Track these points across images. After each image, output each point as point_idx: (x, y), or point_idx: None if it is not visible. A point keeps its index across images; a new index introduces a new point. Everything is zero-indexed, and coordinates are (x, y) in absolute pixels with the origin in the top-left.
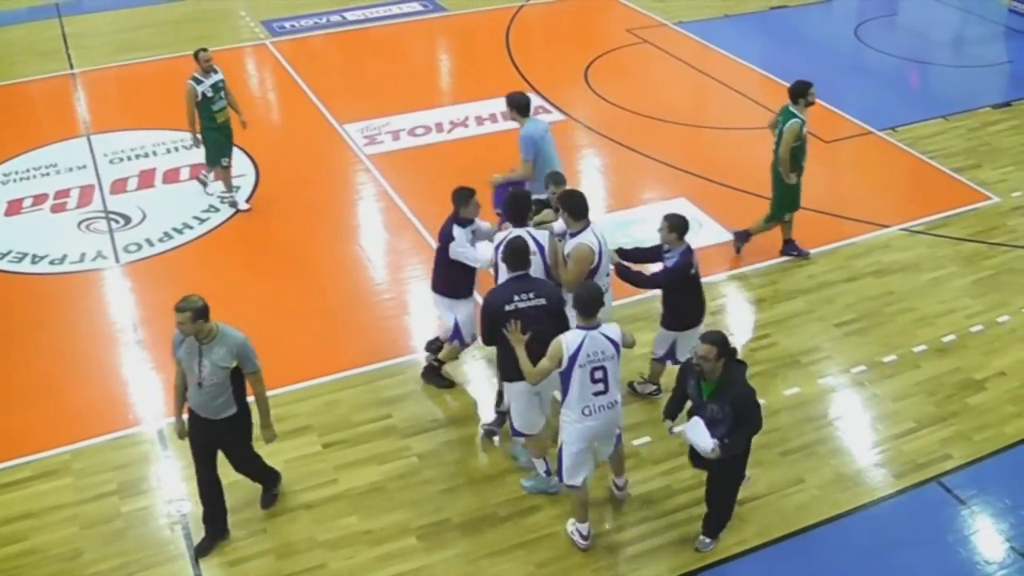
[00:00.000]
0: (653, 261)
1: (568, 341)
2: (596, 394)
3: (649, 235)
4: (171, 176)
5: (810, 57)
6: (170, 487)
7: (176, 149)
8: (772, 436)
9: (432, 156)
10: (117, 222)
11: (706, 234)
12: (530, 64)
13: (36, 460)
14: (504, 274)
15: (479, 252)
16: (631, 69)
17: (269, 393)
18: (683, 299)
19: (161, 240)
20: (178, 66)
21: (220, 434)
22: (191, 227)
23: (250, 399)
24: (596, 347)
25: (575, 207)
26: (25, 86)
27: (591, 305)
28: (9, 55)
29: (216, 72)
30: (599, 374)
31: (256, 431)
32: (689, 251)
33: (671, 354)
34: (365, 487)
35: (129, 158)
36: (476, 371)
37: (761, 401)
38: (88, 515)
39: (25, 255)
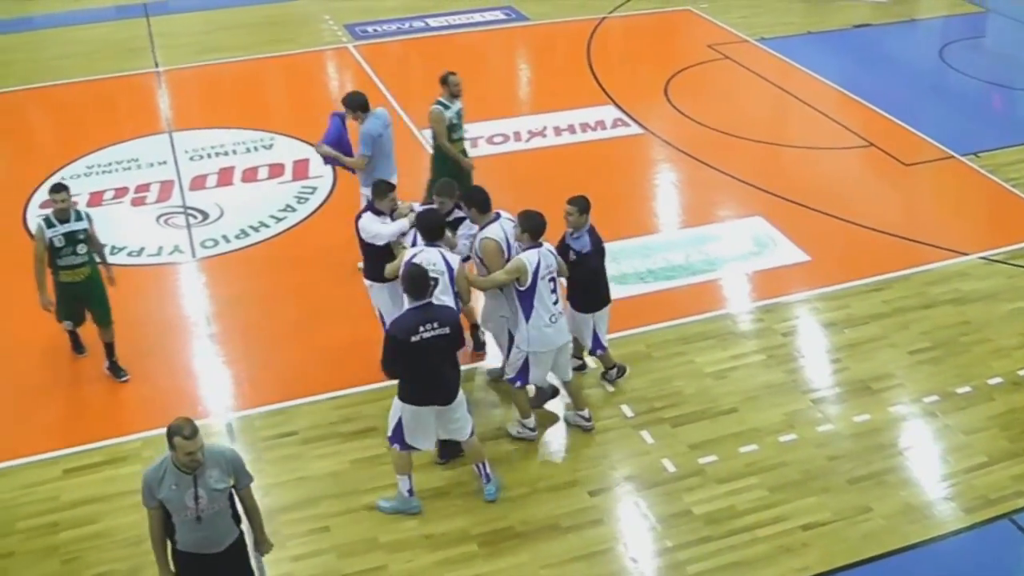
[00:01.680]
0: (563, 255)
1: (528, 258)
2: (554, 303)
3: (724, 253)
4: (249, 175)
5: (893, 78)
6: None
7: (255, 149)
8: (840, 462)
9: (509, 165)
10: (195, 218)
11: (780, 253)
12: (610, 76)
13: (108, 446)
14: (406, 303)
15: (380, 228)
16: (711, 85)
17: (339, 392)
18: (599, 278)
19: (237, 237)
20: (260, 67)
21: (225, 567)
22: (267, 226)
23: None
24: (548, 261)
25: (481, 202)
26: (111, 82)
27: (540, 229)
28: (96, 52)
29: (459, 100)
30: (552, 284)
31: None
32: (593, 229)
33: (597, 340)
34: (428, 491)
35: (209, 156)
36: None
37: (829, 426)
38: None
39: (103, 246)
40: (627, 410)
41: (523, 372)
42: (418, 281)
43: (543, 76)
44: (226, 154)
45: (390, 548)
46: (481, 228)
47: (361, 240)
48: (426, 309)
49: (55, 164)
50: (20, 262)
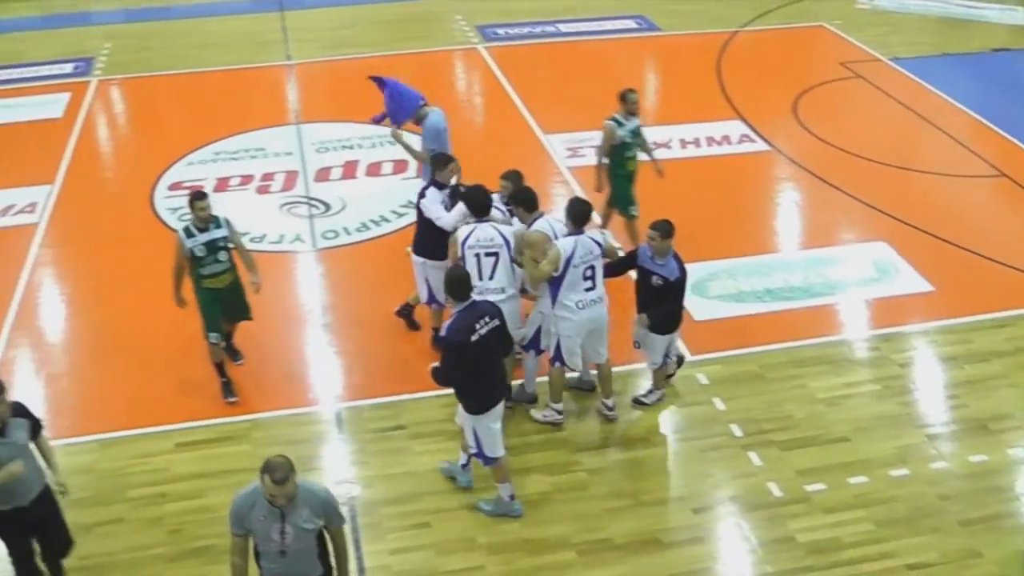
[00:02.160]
0: (629, 268)
1: (564, 246)
2: (587, 290)
3: (844, 277)
4: (374, 169)
5: None
6: (341, 468)
7: (380, 144)
8: (952, 502)
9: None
10: (318, 208)
11: (902, 281)
12: (739, 91)
13: (218, 424)
14: (454, 306)
15: (443, 213)
16: (841, 103)
17: (448, 391)
18: (676, 304)
19: (358, 230)
20: (389, 64)
21: None
22: (388, 220)
23: None
24: (586, 249)
25: (526, 201)
26: (243, 73)
27: (583, 216)
28: (232, 43)
29: (636, 117)
30: (589, 272)
31: None
32: (676, 254)
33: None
34: (531, 495)
35: (335, 149)
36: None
37: (942, 464)
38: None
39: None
40: (736, 429)
41: (558, 353)
42: (463, 282)
43: (671, 87)
44: (351, 148)
45: (489, 549)
46: (528, 226)
47: (420, 216)
48: (474, 307)
49: (184, 149)
50: (145, 239)
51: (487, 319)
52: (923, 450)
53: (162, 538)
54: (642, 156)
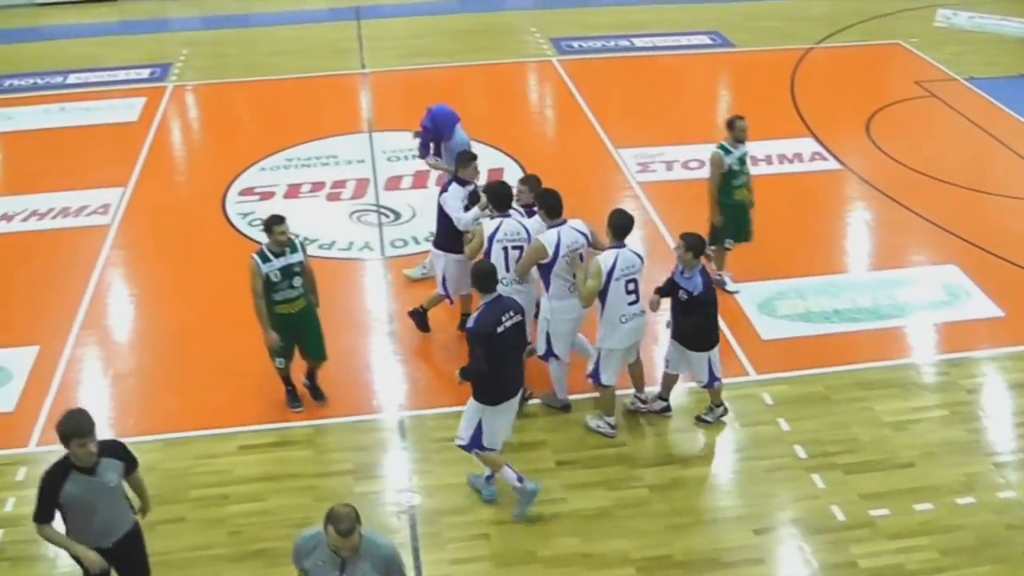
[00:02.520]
0: (670, 294)
1: (604, 259)
2: (630, 304)
3: (913, 300)
4: (443, 179)
5: None
6: (402, 477)
7: None
8: (1019, 532)
9: (702, 191)
10: (387, 217)
11: (972, 306)
12: (812, 108)
13: (282, 428)
14: (479, 297)
15: (462, 213)
16: (915, 123)
17: None
18: (710, 319)
19: (427, 239)
20: (463, 75)
21: None
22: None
23: None
24: (627, 263)
25: (550, 206)
26: (318, 80)
27: (623, 229)
28: (307, 51)
29: (744, 144)
30: (631, 286)
31: None
32: (704, 270)
33: (712, 374)
34: (591, 510)
35: (406, 158)
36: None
37: (1010, 493)
38: (322, 488)
39: (296, 236)
40: (800, 451)
41: (596, 372)
42: (489, 276)
43: (744, 104)
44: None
45: (548, 563)
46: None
47: (440, 211)
48: (499, 301)
49: (257, 155)
50: (215, 243)
51: (511, 313)
52: (990, 478)
53: (222, 539)
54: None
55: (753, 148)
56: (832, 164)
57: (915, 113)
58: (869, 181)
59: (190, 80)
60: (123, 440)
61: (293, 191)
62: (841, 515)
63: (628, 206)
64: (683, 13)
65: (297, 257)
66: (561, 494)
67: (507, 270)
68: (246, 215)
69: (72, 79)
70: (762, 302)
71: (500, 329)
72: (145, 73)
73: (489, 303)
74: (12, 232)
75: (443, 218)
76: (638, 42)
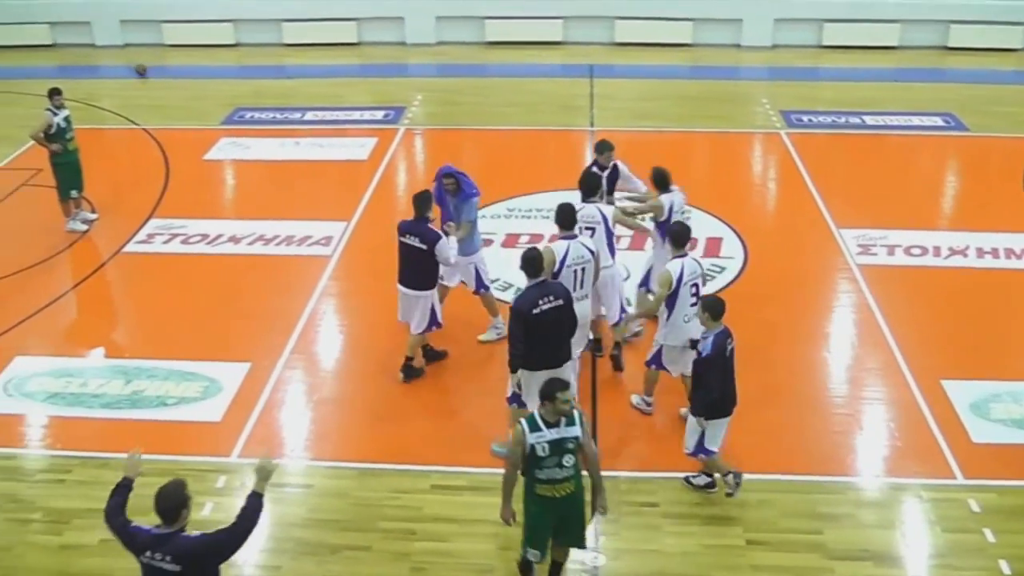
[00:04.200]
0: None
1: (673, 269)
2: (692, 305)
3: None
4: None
5: None
6: (590, 537)
7: None
8: None
9: (923, 279)
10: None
11: None
12: None
13: (475, 473)
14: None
15: (451, 251)
16: None
17: None
18: (718, 384)
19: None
20: (689, 140)
21: None
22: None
23: None
24: (692, 269)
25: (564, 221)
26: (546, 134)
27: (682, 239)
28: (538, 104)
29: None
30: (694, 289)
31: None
32: (724, 333)
33: (700, 446)
34: None
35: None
36: (909, 511)
37: None
38: (508, 537)
39: (511, 285)
40: (1005, 566)
41: (656, 358)
42: (535, 262)
43: (973, 192)
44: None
45: None
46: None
47: (418, 253)
48: (543, 285)
49: (480, 202)
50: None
51: (551, 298)
52: None
53: (404, 573)
54: None
55: (980, 239)
56: None
57: None
58: None
59: (421, 124)
60: (319, 464)
61: (511, 240)
62: None
63: (843, 287)
64: (918, 92)
65: (574, 432)
66: (748, 573)
67: (575, 289)
68: None
69: (309, 116)
70: (975, 402)
71: (536, 311)
72: (379, 115)
73: (531, 286)
74: (239, 254)
75: (420, 260)
76: (868, 119)
